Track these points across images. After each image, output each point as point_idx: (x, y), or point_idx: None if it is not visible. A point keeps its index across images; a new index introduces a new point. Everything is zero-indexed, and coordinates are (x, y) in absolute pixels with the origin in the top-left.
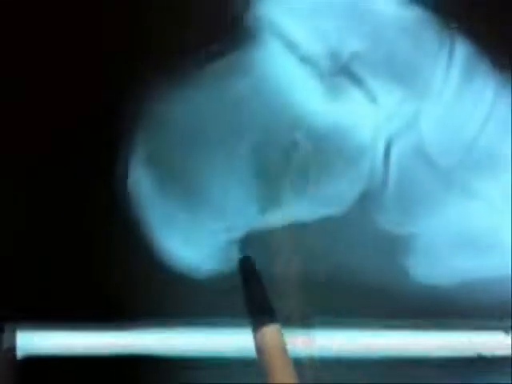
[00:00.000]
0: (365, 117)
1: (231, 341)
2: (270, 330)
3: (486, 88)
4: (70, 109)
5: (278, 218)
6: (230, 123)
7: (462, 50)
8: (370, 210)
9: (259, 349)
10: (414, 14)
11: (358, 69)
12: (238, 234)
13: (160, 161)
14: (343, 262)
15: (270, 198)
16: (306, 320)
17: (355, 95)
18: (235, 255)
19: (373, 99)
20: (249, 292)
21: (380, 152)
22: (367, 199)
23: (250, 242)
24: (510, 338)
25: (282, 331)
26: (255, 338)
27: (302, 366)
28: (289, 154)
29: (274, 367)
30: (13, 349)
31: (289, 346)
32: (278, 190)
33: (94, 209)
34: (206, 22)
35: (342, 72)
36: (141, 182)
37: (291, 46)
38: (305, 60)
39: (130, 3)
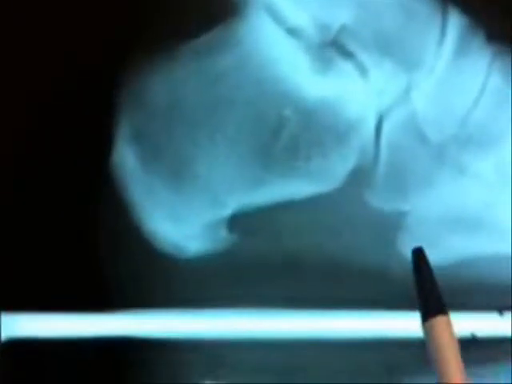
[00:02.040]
0: (355, 91)
1: (219, 322)
2: (441, 320)
3: (479, 61)
4: (55, 88)
5: (267, 195)
6: (216, 99)
7: (454, 22)
8: (361, 186)
9: (429, 338)
10: None
11: (347, 42)
12: (226, 212)
13: (145, 138)
14: (334, 241)
15: (258, 174)
16: (296, 301)
17: (345, 69)
18: (223, 234)
19: (363, 73)
20: (420, 282)
21: (371, 127)
22: (358, 176)
23: (239, 220)
24: (503, 318)
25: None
26: (425, 327)
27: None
28: (278, 129)
29: (443, 356)
30: None
31: None
32: (267, 166)
33: (79, 189)
34: None
35: (331, 45)
36: (126, 160)
37: (279, 18)
38: (293, 33)
39: None
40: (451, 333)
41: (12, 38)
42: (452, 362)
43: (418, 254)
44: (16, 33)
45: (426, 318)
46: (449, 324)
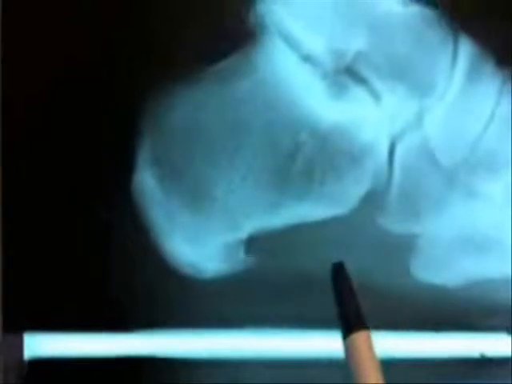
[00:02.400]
0: (369, 116)
1: (236, 342)
2: (362, 336)
3: (489, 88)
4: (78, 111)
5: (283, 218)
6: (234, 123)
7: (466, 49)
8: (374, 209)
9: (349, 354)
10: (418, 12)
11: (361, 68)
12: (243, 234)
13: (165, 161)
14: (347, 263)
15: (274, 197)
16: (309, 321)
17: (359, 95)
18: (240, 255)
19: (377, 99)
20: (340, 298)
21: (384, 151)
22: (372, 198)
23: (255, 242)
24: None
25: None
26: (346, 343)
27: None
28: (293, 153)
29: (363, 372)
30: (20, 350)
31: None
32: (283, 189)
33: (99, 211)
34: (209, 22)
35: (345, 71)
36: (146, 182)
37: (294, 45)
38: (308, 59)
39: (133, 6)
40: (372, 349)
41: (24, 53)
42: (372, 378)
43: (338, 269)
44: (27, 48)
45: (346, 334)
46: (369, 340)
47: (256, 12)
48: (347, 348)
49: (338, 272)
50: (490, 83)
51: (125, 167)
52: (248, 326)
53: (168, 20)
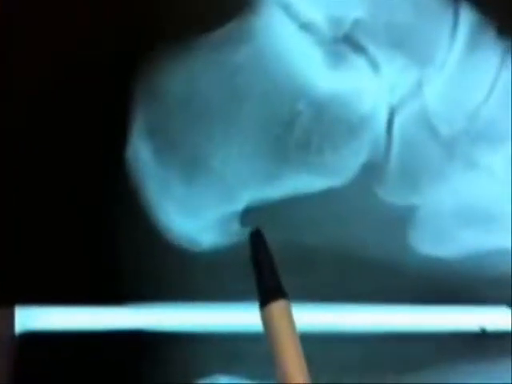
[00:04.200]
0: (367, 86)
1: (233, 315)
2: (279, 305)
3: (491, 57)
4: (68, 81)
5: (280, 189)
6: (230, 93)
7: (466, 17)
8: (372, 181)
9: (267, 324)
10: None
11: (360, 37)
12: (239, 206)
13: (160, 132)
14: (346, 235)
15: (271, 168)
16: (308, 294)
17: (357, 63)
18: (236, 227)
19: (375, 68)
20: (258, 266)
21: (383, 122)
22: (370, 170)
23: (251, 213)
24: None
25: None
26: (263, 312)
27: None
28: (290, 123)
29: (281, 343)
30: (11, 324)
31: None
32: (280, 160)
33: (93, 183)
34: None
35: (344, 40)
36: (141, 153)
37: (292, 13)
38: (306, 28)
39: None
40: (290, 318)
41: (25, 25)
42: (293, 345)
43: (257, 236)
44: (27, 20)
45: (263, 304)
46: (288, 309)
47: None
48: (264, 318)
49: (256, 240)
50: (491, 53)
51: (119, 138)
52: (244, 299)
53: None
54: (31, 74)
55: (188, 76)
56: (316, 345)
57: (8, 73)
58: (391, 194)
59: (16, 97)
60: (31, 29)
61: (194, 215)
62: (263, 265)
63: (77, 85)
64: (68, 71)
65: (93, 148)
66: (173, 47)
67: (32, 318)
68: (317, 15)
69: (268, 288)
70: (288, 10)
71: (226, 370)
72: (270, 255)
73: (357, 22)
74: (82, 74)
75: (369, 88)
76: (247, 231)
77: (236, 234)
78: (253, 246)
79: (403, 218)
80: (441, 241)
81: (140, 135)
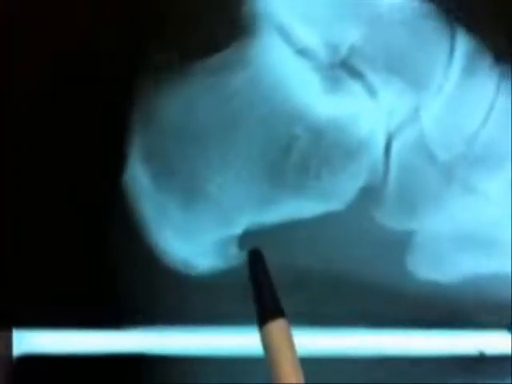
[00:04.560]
0: (365, 111)
1: (230, 339)
2: (278, 325)
3: (487, 82)
4: (67, 105)
5: (278, 213)
6: (227, 117)
7: (463, 43)
8: (370, 205)
9: (266, 343)
10: (414, 5)
11: (357, 62)
12: (237, 230)
13: (157, 156)
14: (343, 259)
15: (268, 193)
16: (305, 318)
17: (355, 89)
18: (234, 251)
19: (373, 93)
20: (256, 285)
21: (380, 146)
22: (368, 194)
23: (249, 237)
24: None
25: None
26: (262, 332)
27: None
28: (288, 148)
29: (280, 363)
30: (9, 347)
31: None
32: (278, 184)
33: (91, 206)
34: (203, 15)
35: (341, 65)
36: (138, 177)
37: (289, 38)
38: (303, 53)
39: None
40: (289, 338)
41: (25, 25)
42: (292, 365)
43: (255, 256)
44: (27, 20)
45: (263, 322)
46: (286, 328)
47: (251, 5)
48: (263, 338)
49: (255, 259)
50: (488, 78)
51: (116, 163)
52: (242, 323)
53: (163, 15)
54: (31, 74)
55: (185, 101)
56: (312, 368)
57: (8, 73)
58: (389, 219)
59: (16, 97)
60: (31, 29)
61: (192, 239)
62: (262, 284)
63: (72, 110)
64: (63, 97)
65: (91, 174)
66: (170, 72)
67: (29, 341)
68: (314, 41)
69: (267, 307)
70: (285, 35)
71: None
72: (269, 275)
73: (354, 48)
74: (78, 99)
75: (366, 113)
76: (245, 254)
77: (234, 257)
78: (251, 266)
79: (401, 242)
80: (439, 265)
81: (137, 159)
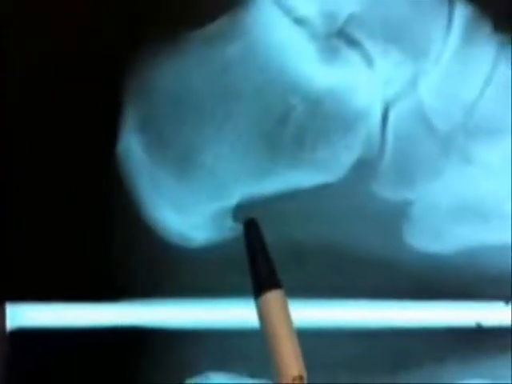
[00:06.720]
0: (362, 80)
1: (227, 311)
2: (274, 295)
3: (486, 51)
4: (61, 78)
5: (273, 185)
6: (223, 88)
7: (461, 12)
8: (367, 176)
9: (262, 314)
10: None
11: (354, 31)
12: (232, 201)
13: (152, 127)
14: (340, 231)
15: (264, 164)
16: (302, 290)
17: (352, 58)
18: (229, 223)
19: (370, 62)
20: (252, 256)
21: (377, 117)
22: (364, 166)
23: (244, 209)
24: (510, 308)
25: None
26: (258, 302)
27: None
28: (284, 118)
29: (277, 332)
30: (2, 321)
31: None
32: (273, 155)
33: (85, 179)
34: None
35: (338, 34)
36: (132, 149)
37: (286, 8)
38: (300, 22)
39: None
40: (285, 308)
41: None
42: (288, 335)
43: (250, 226)
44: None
45: (258, 294)
46: (283, 298)
47: None
48: (259, 308)
49: (250, 229)
50: (487, 47)
51: (110, 134)
52: (237, 295)
53: None
54: (31, 74)
55: (180, 71)
56: (309, 340)
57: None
58: (386, 190)
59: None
60: (31, 29)
61: (187, 211)
62: (258, 254)
63: (66, 82)
64: (57, 70)
65: (84, 144)
66: (165, 42)
67: (23, 315)
68: (311, 10)
69: (263, 278)
70: (281, 4)
71: (219, 367)
72: (265, 244)
73: (351, 17)
74: (72, 71)
75: (363, 83)
76: (240, 226)
77: (229, 229)
78: (247, 236)
79: (398, 214)
80: (436, 236)
81: (131, 130)
